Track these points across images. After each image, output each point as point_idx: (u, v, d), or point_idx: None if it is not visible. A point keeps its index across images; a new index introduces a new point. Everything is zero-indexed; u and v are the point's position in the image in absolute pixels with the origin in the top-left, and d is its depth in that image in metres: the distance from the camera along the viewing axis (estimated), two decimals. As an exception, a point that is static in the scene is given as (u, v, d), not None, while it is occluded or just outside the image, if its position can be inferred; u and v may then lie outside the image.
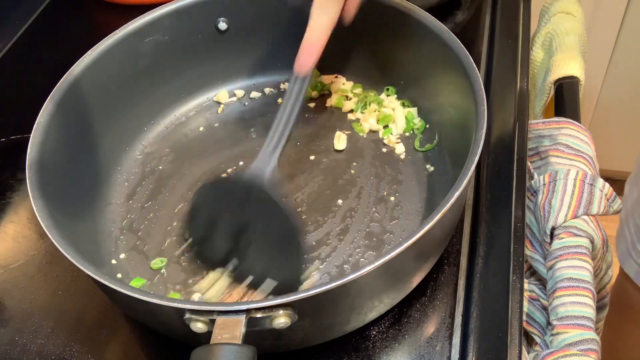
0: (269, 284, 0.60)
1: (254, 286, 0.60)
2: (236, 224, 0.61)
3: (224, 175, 0.71)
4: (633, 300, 1.07)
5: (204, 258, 0.64)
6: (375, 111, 0.76)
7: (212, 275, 0.62)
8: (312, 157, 0.74)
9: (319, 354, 0.58)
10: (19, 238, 0.70)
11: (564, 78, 0.89)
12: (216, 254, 0.62)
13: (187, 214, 0.67)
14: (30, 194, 0.57)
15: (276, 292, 0.59)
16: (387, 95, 0.77)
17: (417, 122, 0.74)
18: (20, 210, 0.72)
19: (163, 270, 0.65)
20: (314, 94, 0.79)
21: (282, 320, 0.48)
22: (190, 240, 0.65)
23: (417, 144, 0.73)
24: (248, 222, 0.61)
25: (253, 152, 0.74)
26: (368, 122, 0.75)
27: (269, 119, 0.78)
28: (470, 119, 0.60)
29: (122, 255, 0.66)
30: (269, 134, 0.64)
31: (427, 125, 0.74)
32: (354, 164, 0.72)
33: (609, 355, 1.12)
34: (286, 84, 0.81)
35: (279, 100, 0.80)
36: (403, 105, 0.76)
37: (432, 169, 0.71)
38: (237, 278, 0.61)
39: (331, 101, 0.78)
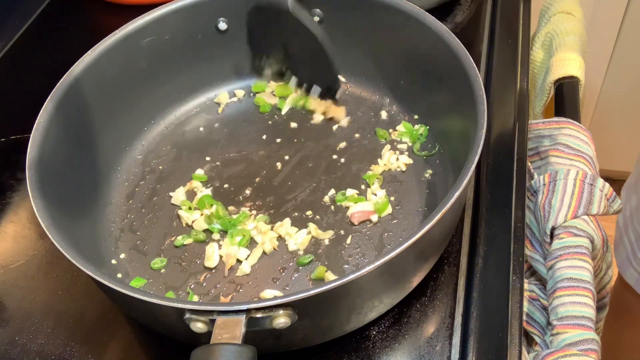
0: (315, 89, 0.77)
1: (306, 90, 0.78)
2: (281, 43, 0.76)
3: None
4: (632, 307, 1.07)
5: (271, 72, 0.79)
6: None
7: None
8: (312, 161, 0.74)
9: (319, 354, 0.58)
10: (19, 238, 0.70)
11: (564, 78, 0.88)
12: (277, 67, 0.79)
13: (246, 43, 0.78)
14: (30, 194, 0.57)
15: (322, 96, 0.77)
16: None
17: (419, 128, 0.74)
18: (20, 210, 0.72)
19: (163, 270, 0.65)
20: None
21: (282, 320, 0.48)
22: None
23: (417, 147, 0.73)
24: (288, 41, 0.75)
25: (253, 151, 0.75)
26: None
27: (269, 119, 0.79)
28: (470, 119, 0.60)
29: (122, 255, 0.66)
30: None
31: (429, 128, 0.74)
32: (356, 163, 0.73)
33: (609, 355, 1.12)
34: (272, 84, 0.81)
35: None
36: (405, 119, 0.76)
37: (432, 169, 0.71)
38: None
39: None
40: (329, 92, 0.77)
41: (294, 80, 0.79)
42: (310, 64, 0.76)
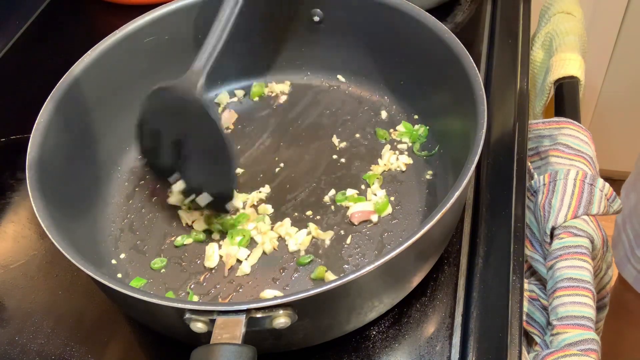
0: (206, 197, 0.66)
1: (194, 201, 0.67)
2: (175, 135, 0.66)
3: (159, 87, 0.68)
4: (631, 305, 1.07)
5: (155, 168, 0.69)
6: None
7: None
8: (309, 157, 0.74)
9: (319, 354, 0.58)
10: (19, 238, 0.70)
11: (564, 78, 0.88)
12: (163, 164, 0.68)
13: (136, 126, 0.68)
14: (30, 194, 0.57)
15: (212, 206, 0.66)
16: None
17: (419, 128, 0.74)
18: (20, 210, 0.72)
19: (163, 270, 0.65)
20: None
21: (282, 320, 0.48)
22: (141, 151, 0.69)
23: (417, 147, 0.73)
24: (185, 134, 0.65)
25: (253, 151, 0.75)
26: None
27: (269, 119, 0.79)
28: (470, 119, 0.60)
29: (122, 255, 0.66)
30: (200, 50, 0.66)
31: (429, 128, 0.74)
32: (356, 163, 0.73)
33: (609, 355, 1.12)
34: (272, 84, 0.81)
35: (279, 100, 0.80)
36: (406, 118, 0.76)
37: (432, 169, 0.71)
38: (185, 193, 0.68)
39: None
40: (219, 202, 0.66)
41: (179, 184, 0.69)
42: (204, 166, 0.66)
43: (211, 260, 0.64)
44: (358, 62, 0.78)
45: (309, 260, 0.64)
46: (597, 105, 1.64)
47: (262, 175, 0.72)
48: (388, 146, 0.73)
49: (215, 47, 0.66)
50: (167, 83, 0.65)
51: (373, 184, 0.70)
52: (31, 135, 0.61)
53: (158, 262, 0.65)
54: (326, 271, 0.63)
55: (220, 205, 0.66)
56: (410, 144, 0.74)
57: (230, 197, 0.66)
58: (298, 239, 0.65)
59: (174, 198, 0.70)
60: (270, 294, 0.61)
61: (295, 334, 0.53)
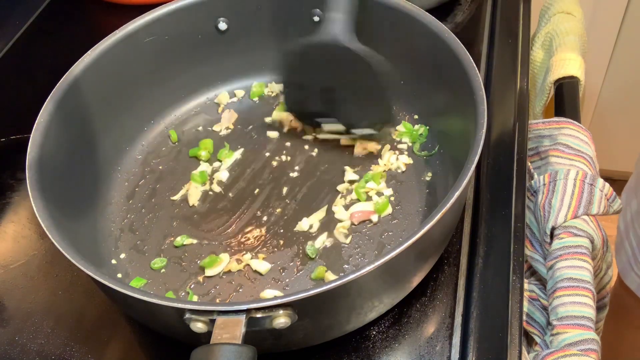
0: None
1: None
2: (326, 83, 0.71)
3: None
4: (632, 308, 1.07)
5: (303, 116, 0.75)
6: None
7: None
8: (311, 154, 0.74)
9: (319, 354, 0.58)
10: (19, 238, 0.70)
11: (564, 78, 0.88)
12: (314, 110, 0.74)
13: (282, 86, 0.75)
14: (30, 194, 0.57)
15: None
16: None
17: (419, 128, 0.74)
18: (20, 210, 0.72)
19: (163, 270, 0.65)
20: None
21: (282, 320, 0.48)
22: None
23: (417, 147, 0.73)
24: (338, 80, 0.70)
25: (252, 151, 0.75)
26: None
27: (267, 119, 0.79)
28: (470, 119, 0.60)
29: (122, 255, 0.66)
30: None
31: (429, 128, 0.74)
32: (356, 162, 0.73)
33: (609, 355, 1.12)
34: (272, 84, 0.81)
35: (279, 100, 0.80)
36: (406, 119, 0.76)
37: (432, 169, 0.71)
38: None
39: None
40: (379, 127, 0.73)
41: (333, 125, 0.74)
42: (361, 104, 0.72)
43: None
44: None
45: (316, 253, 0.64)
46: (597, 105, 1.64)
47: (265, 173, 0.72)
48: (388, 146, 0.73)
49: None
50: (306, 40, 0.70)
51: (379, 183, 0.69)
52: (31, 135, 0.61)
53: (158, 262, 0.65)
54: (326, 271, 0.63)
55: (380, 130, 0.72)
56: (410, 144, 0.74)
57: (389, 122, 0.73)
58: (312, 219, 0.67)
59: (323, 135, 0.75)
60: (270, 294, 0.61)
61: (295, 334, 0.53)
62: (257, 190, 0.71)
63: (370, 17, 0.74)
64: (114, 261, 0.66)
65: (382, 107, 0.72)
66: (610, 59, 1.53)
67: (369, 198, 0.69)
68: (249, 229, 0.67)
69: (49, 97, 0.64)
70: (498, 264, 0.62)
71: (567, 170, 0.71)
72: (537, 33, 1.01)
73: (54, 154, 0.62)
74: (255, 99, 0.81)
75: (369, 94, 0.71)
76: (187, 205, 0.70)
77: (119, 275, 0.64)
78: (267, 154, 0.74)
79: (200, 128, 0.78)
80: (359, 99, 0.72)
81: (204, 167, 0.73)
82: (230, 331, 0.46)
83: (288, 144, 0.75)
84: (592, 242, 0.68)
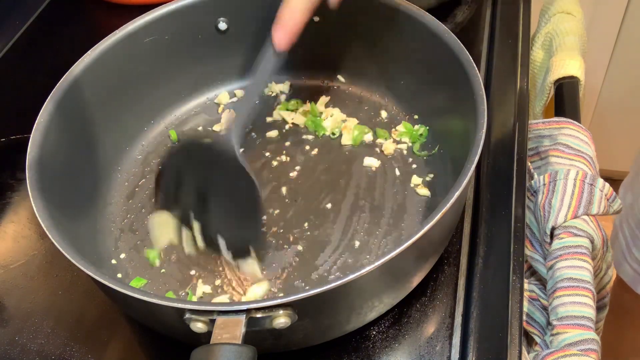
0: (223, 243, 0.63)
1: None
2: (202, 185, 0.64)
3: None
4: (630, 305, 1.07)
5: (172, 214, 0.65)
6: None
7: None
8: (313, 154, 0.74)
9: (319, 354, 0.58)
10: (19, 238, 0.70)
11: (564, 78, 0.88)
12: (182, 211, 0.64)
13: (157, 174, 0.66)
14: (30, 194, 0.57)
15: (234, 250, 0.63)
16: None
17: (419, 128, 0.74)
18: (20, 210, 0.72)
19: (163, 270, 0.65)
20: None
21: (282, 320, 0.48)
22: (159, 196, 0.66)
23: (417, 147, 0.73)
24: (213, 184, 0.63)
25: (253, 151, 0.75)
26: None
27: (268, 119, 0.79)
28: (470, 119, 0.60)
29: (122, 255, 0.66)
30: (238, 106, 0.67)
31: (429, 128, 0.74)
32: (355, 162, 0.73)
33: (609, 355, 1.12)
34: (272, 84, 0.81)
35: (279, 100, 0.80)
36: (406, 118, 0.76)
37: (432, 169, 0.71)
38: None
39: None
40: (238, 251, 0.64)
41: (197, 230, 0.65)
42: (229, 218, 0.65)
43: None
44: (358, 62, 0.78)
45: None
46: (597, 105, 1.64)
47: (267, 173, 0.72)
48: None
49: (252, 106, 0.68)
50: (199, 139, 0.67)
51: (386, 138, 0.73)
52: (31, 135, 0.61)
53: (158, 262, 0.65)
54: (326, 271, 0.63)
55: (240, 253, 0.63)
56: (410, 144, 0.74)
57: (254, 248, 0.63)
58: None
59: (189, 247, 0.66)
60: (265, 290, 0.61)
61: (295, 334, 0.53)
62: (257, 190, 0.71)
63: (370, 17, 0.74)
64: (114, 261, 0.66)
65: (250, 230, 0.64)
66: (610, 59, 1.53)
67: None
68: (249, 229, 0.67)
69: (49, 97, 0.64)
70: (498, 264, 0.62)
71: (567, 170, 0.71)
72: (537, 33, 1.01)
73: (54, 154, 0.62)
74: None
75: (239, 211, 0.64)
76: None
77: (119, 275, 0.64)
78: (267, 154, 0.74)
79: (200, 128, 0.78)
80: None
81: None
82: (230, 331, 0.46)
83: (288, 144, 0.75)
84: (592, 242, 0.68)
